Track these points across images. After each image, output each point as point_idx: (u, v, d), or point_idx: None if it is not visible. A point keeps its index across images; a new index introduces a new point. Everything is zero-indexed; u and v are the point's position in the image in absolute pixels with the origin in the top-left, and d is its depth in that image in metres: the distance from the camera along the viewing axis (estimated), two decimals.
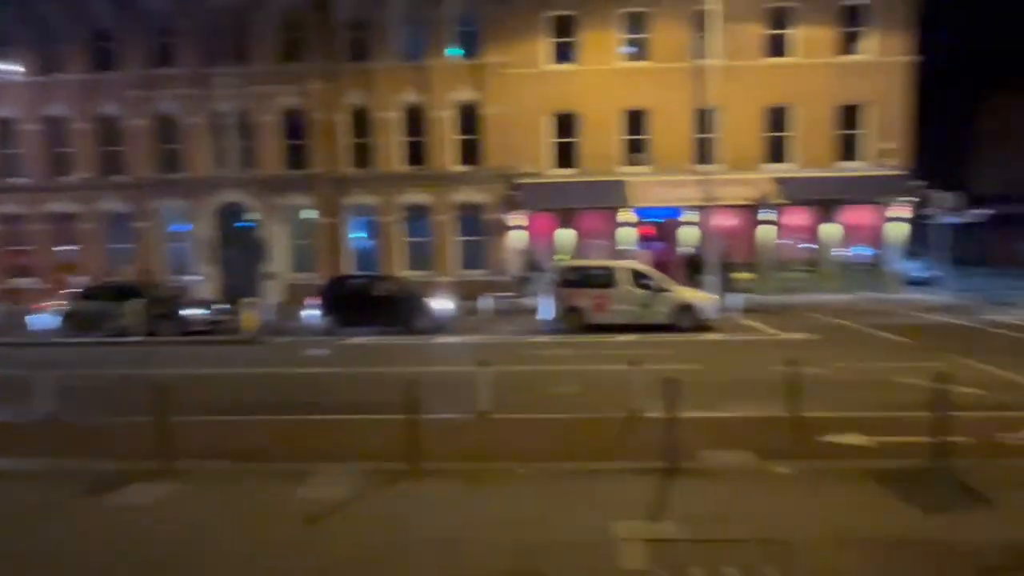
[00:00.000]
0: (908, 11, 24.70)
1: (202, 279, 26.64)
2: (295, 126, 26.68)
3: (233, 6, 26.11)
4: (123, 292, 18.85)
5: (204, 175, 26.76)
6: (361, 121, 26.53)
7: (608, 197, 24.96)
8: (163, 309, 18.58)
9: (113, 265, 26.99)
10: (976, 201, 37.37)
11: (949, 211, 22.03)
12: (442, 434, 8.63)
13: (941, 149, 43.81)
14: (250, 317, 17.94)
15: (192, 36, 26.37)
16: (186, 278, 26.55)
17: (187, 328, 18.41)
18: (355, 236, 27.32)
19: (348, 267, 26.61)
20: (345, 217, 26.91)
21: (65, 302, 19.19)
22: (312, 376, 13.16)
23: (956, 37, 47.04)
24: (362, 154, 26.70)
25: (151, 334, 18.13)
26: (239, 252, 27.06)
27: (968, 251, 41.50)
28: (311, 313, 18.75)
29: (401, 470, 7.01)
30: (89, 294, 19.28)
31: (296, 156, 26.81)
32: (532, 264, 24.73)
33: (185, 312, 18.70)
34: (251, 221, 27.11)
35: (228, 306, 19.87)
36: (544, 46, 25.73)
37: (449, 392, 10.87)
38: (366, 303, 18.68)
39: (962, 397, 9.68)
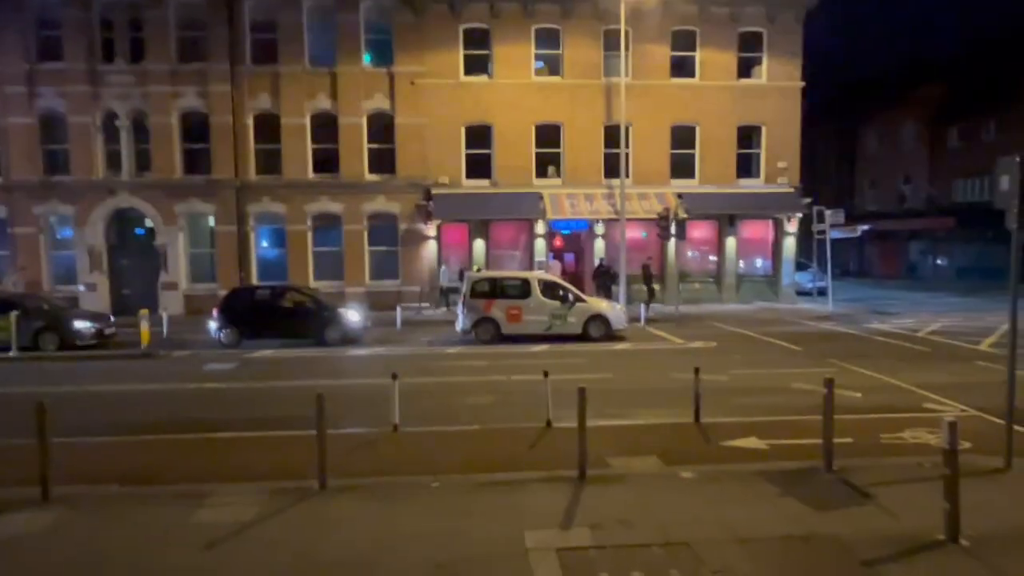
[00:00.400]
0: (796, 40, 26.49)
1: (85, 289, 24.88)
2: (196, 129, 25.42)
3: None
4: None
5: (94, 179, 25.03)
6: (268, 126, 25.58)
7: (522, 209, 25.26)
8: (46, 321, 17.24)
9: None
10: (858, 218, 40.58)
11: (834, 226, 23.69)
12: (354, 449, 8.45)
13: (828, 169, 47.26)
14: (147, 330, 16.92)
15: (81, 30, 24.63)
16: (80, 288, 24.83)
17: (75, 342, 17.16)
18: (262, 245, 26.34)
19: (253, 277, 25.59)
20: (251, 225, 25.87)
21: None
22: (214, 391, 12.55)
23: (842, 66, 50.91)
24: (269, 160, 25.75)
25: (32, 349, 16.76)
26: (134, 261, 25.50)
27: (851, 263, 44.94)
28: (215, 325, 17.92)
29: (310, 488, 6.81)
30: None
31: (197, 161, 25.52)
32: (460, 274, 24.60)
33: (73, 325, 17.42)
34: (147, 228, 25.60)
35: (111, 318, 19.05)
36: (459, 58, 25.79)
37: (361, 406, 10.66)
38: (274, 314, 18.04)
39: (849, 400, 10.45)
